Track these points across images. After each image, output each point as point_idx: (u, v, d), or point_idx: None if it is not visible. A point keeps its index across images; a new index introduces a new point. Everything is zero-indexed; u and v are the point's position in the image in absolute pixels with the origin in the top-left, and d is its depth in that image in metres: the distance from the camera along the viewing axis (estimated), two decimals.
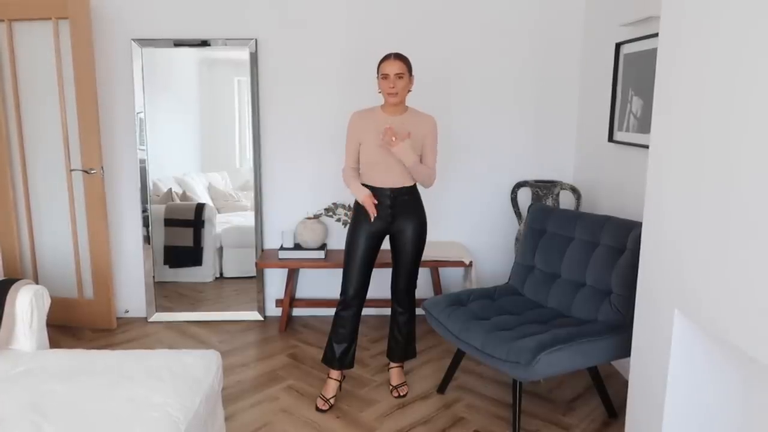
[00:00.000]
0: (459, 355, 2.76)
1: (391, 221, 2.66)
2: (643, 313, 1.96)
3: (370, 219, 2.60)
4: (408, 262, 2.72)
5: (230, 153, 4.02)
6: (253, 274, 3.81)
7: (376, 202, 2.59)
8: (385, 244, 2.74)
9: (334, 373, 2.74)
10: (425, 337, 3.45)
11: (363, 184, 2.66)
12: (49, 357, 2.17)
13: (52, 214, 3.61)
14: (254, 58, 3.55)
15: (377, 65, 2.58)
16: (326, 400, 2.69)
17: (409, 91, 2.61)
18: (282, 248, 3.55)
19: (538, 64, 3.65)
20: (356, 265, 2.64)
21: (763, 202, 1.35)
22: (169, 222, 3.85)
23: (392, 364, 2.90)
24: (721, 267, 1.51)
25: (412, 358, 2.97)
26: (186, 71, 3.84)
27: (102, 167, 3.42)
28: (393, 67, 2.51)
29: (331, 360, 2.73)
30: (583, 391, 2.87)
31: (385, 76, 2.52)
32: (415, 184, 2.70)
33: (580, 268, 2.67)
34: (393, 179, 2.62)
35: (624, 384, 2.74)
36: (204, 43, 3.55)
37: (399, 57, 2.54)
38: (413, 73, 2.61)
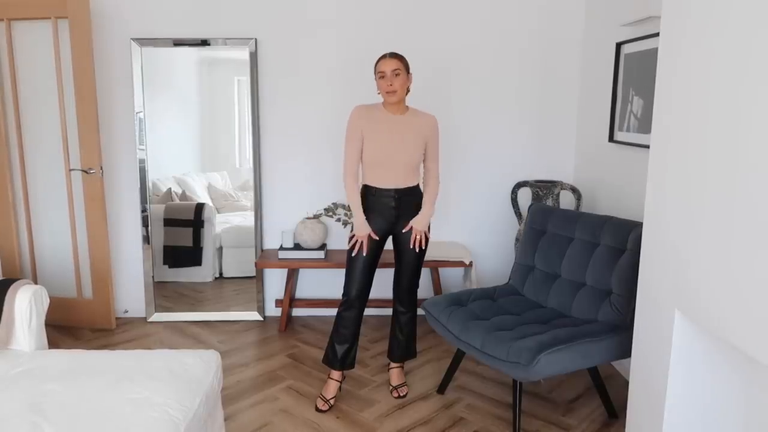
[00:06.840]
0: (459, 356, 2.76)
1: (395, 221, 2.66)
2: (643, 314, 1.96)
3: (355, 250, 2.61)
4: (411, 261, 2.71)
5: (230, 153, 4.01)
6: (253, 274, 3.80)
7: (369, 241, 2.62)
8: (386, 245, 2.74)
9: (335, 374, 2.74)
10: (425, 337, 3.45)
11: (365, 185, 2.66)
12: (48, 357, 2.16)
13: (51, 213, 3.61)
14: (254, 57, 3.54)
15: (374, 66, 2.58)
16: (326, 401, 2.68)
17: (408, 90, 2.61)
18: (282, 248, 3.55)
19: (538, 64, 3.64)
20: (360, 266, 2.63)
21: (764, 202, 1.35)
22: (168, 222, 3.84)
23: (392, 365, 2.90)
24: (721, 267, 1.51)
25: (413, 358, 2.97)
26: (186, 71, 3.83)
27: (101, 167, 3.41)
28: (389, 65, 2.51)
29: (332, 360, 2.73)
30: (583, 391, 2.87)
31: (382, 75, 2.52)
32: (418, 184, 2.69)
33: (581, 269, 2.67)
34: (396, 179, 2.61)
35: (624, 384, 2.74)
36: (204, 43, 3.54)
37: (395, 55, 2.55)
38: (411, 71, 2.60)
